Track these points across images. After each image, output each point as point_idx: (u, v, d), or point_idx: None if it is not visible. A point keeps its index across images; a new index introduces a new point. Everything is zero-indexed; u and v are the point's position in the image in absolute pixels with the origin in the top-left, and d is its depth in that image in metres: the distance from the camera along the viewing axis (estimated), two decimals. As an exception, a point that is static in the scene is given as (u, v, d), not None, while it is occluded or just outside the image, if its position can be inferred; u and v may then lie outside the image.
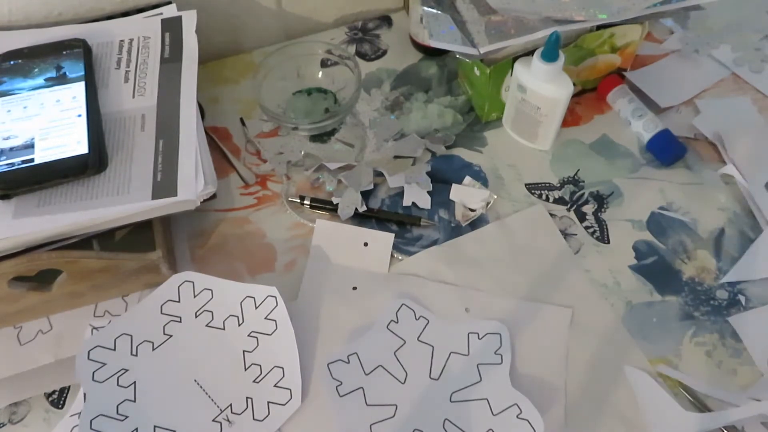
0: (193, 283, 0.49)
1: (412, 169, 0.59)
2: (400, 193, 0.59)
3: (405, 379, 0.47)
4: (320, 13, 0.74)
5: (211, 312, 0.49)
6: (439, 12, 0.57)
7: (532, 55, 0.54)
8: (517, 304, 0.51)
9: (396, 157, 0.60)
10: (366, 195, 0.58)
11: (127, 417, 0.44)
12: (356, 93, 0.61)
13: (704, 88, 0.65)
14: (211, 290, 0.49)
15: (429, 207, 0.58)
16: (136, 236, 0.50)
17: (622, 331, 0.49)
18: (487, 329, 0.49)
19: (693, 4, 0.56)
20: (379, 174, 0.59)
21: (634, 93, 0.63)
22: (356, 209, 0.56)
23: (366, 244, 0.55)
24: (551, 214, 0.57)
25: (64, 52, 0.55)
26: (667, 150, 0.59)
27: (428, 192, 0.58)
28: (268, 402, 0.46)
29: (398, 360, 0.48)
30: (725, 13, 0.72)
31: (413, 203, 0.58)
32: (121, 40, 0.58)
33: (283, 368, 0.47)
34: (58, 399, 0.48)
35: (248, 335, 0.48)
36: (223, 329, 0.48)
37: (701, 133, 0.61)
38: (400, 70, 0.69)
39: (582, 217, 0.57)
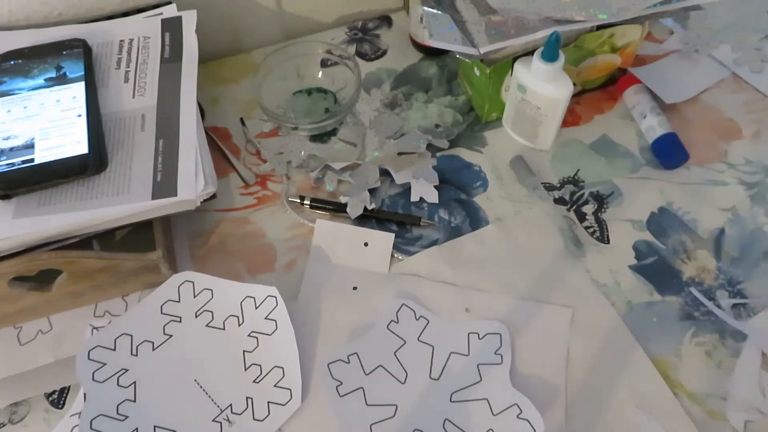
0: (193, 283, 0.49)
1: (419, 165, 0.59)
2: (400, 193, 0.59)
3: (405, 379, 0.47)
4: (320, 13, 0.74)
5: (211, 312, 0.49)
6: (439, 12, 0.57)
7: (532, 55, 0.54)
8: (517, 304, 0.51)
9: (400, 153, 0.60)
10: (366, 195, 0.58)
11: (127, 417, 0.44)
12: (356, 93, 0.61)
13: (704, 88, 0.65)
14: (211, 290, 0.49)
15: (437, 201, 0.58)
16: (136, 236, 0.50)
17: (623, 331, 0.49)
18: (487, 329, 0.49)
19: (693, 4, 0.56)
20: (382, 172, 0.59)
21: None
22: (356, 209, 0.56)
23: (366, 244, 0.55)
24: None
25: (64, 52, 0.55)
26: (671, 154, 0.59)
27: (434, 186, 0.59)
28: (268, 402, 0.46)
29: (398, 360, 0.48)
30: (725, 13, 0.72)
31: (421, 198, 0.58)
32: (121, 40, 0.58)
33: (283, 368, 0.47)
34: (58, 399, 0.48)
35: (248, 335, 0.48)
36: (223, 329, 0.48)
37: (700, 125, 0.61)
38: (400, 70, 0.69)
39: (582, 217, 0.57)
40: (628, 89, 0.64)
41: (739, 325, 0.49)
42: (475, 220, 0.57)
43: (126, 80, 0.55)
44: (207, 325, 0.48)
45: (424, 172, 0.59)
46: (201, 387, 0.46)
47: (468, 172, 0.60)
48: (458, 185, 0.59)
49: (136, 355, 0.46)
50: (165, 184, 0.48)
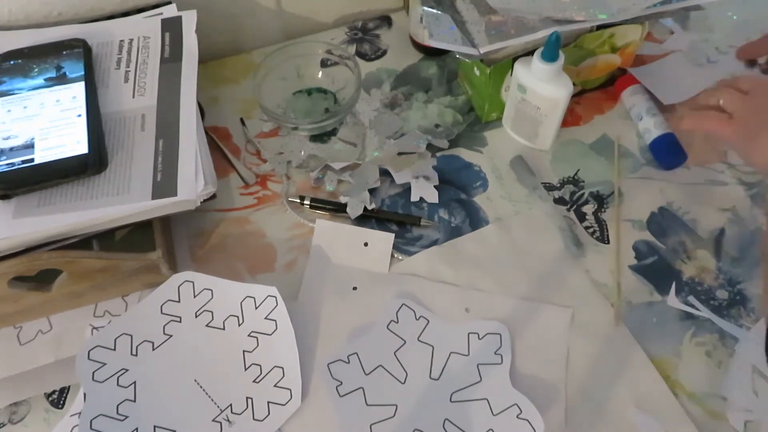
0: (193, 283, 0.49)
1: (419, 164, 0.59)
2: (401, 193, 0.59)
3: (405, 379, 0.47)
4: (320, 13, 0.74)
5: (211, 312, 0.49)
6: (439, 12, 0.57)
7: (532, 55, 0.54)
8: (517, 304, 0.51)
9: (400, 153, 0.60)
10: (366, 195, 0.58)
11: (127, 417, 0.44)
12: (356, 93, 0.61)
13: (704, 88, 0.65)
14: (211, 290, 0.49)
15: (437, 201, 0.58)
16: (136, 236, 0.50)
17: (623, 331, 0.49)
18: (487, 329, 0.49)
19: (693, 4, 0.56)
20: (382, 172, 0.59)
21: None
22: (356, 209, 0.56)
23: (366, 244, 0.55)
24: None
25: (64, 52, 0.55)
26: (668, 155, 0.59)
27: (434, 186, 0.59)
28: (268, 402, 0.46)
29: (398, 360, 0.48)
30: (725, 12, 0.72)
31: (421, 198, 0.58)
32: (121, 40, 0.58)
33: (283, 368, 0.47)
34: (58, 399, 0.48)
35: (248, 335, 0.48)
36: (223, 329, 0.48)
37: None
38: (400, 70, 0.69)
39: (582, 217, 0.57)
40: (625, 90, 0.64)
41: (733, 330, 0.49)
42: (475, 220, 0.57)
43: (126, 80, 0.55)
44: (207, 325, 0.48)
45: (424, 172, 0.59)
46: (201, 387, 0.46)
47: (468, 172, 0.60)
48: (458, 185, 0.59)
49: (136, 355, 0.46)
50: (165, 184, 0.48)
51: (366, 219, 0.57)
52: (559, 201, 0.58)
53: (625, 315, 0.50)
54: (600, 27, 0.57)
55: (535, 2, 0.55)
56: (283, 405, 0.46)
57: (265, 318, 0.48)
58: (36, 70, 0.53)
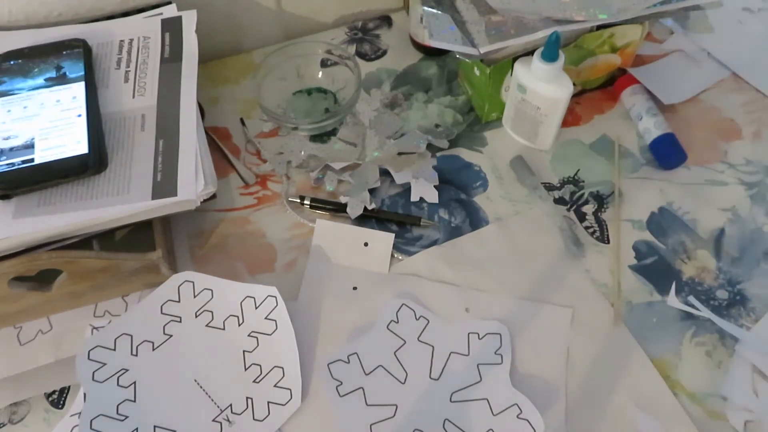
0: (193, 283, 0.49)
1: (419, 165, 0.59)
2: (401, 193, 0.59)
3: (405, 379, 0.47)
4: (320, 13, 0.74)
5: (211, 312, 0.49)
6: (439, 12, 0.58)
7: (532, 55, 0.54)
8: (517, 304, 0.51)
9: (400, 153, 0.60)
10: (366, 195, 0.58)
11: (127, 417, 0.44)
12: (356, 93, 0.61)
13: (704, 88, 0.65)
14: (211, 290, 0.49)
15: (437, 201, 0.58)
16: (136, 236, 0.50)
17: (623, 331, 0.49)
18: (488, 329, 0.49)
19: (693, 4, 0.56)
20: (382, 172, 0.59)
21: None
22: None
23: (366, 244, 0.55)
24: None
25: (64, 52, 0.55)
26: (668, 155, 0.59)
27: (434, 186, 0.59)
28: (268, 402, 0.46)
29: (398, 360, 0.48)
30: (725, 12, 0.72)
31: (421, 198, 0.58)
32: (121, 40, 0.58)
33: (283, 368, 0.47)
34: (58, 399, 0.48)
35: (248, 335, 0.48)
36: (223, 329, 0.48)
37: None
38: (400, 70, 0.69)
39: (582, 217, 0.57)
40: (625, 90, 0.64)
41: (733, 330, 0.49)
42: (475, 220, 0.57)
43: (126, 80, 0.55)
44: (207, 325, 0.48)
45: (424, 172, 0.59)
46: (201, 387, 0.46)
47: (468, 172, 0.60)
48: (458, 185, 0.59)
49: (136, 355, 0.46)
50: (165, 184, 0.48)
51: (366, 219, 0.57)
52: (559, 201, 0.58)
53: (625, 315, 0.50)
54: (600, 27, 0.57)
55: (535, 2, 0.55)
56: (283, 405, 0.46)
57: (265, 318, 0.48)
58: (36, 70, 0.53)
